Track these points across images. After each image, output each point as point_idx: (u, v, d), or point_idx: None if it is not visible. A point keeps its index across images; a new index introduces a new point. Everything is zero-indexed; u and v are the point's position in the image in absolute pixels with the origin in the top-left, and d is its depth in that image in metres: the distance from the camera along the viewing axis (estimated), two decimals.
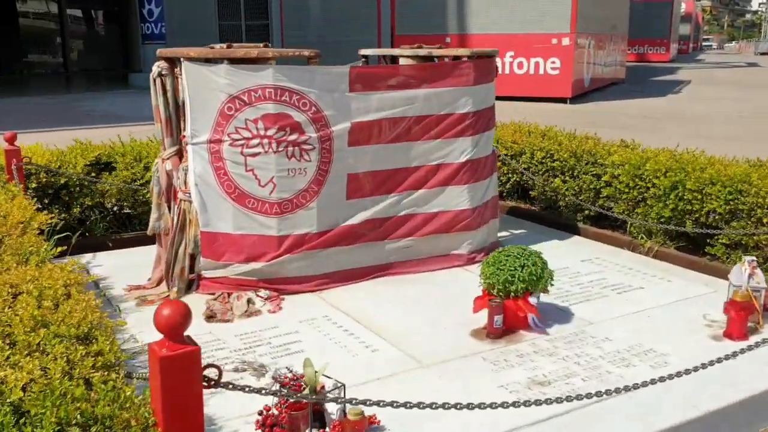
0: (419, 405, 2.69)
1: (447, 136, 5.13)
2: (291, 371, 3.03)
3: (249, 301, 4.48)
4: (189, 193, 4.59)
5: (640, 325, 4.15)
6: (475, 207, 5.30)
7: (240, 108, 4.45)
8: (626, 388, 3.14)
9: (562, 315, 4.30)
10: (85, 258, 5.55)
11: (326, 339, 3.98)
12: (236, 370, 2.93)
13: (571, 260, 5.34)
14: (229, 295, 4.58)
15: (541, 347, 3.87)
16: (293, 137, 4.53)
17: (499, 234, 6.06)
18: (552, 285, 4.18)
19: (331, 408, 2.92)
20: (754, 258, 4.15)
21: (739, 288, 4.08)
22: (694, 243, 5.51)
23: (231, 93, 4.43)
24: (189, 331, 3.97)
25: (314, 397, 2.82)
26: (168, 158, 4.72)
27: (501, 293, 4.02)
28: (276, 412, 2.86)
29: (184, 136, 4.59)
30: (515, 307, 4.01)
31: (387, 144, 4.93)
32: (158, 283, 4.82)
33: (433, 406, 2.76)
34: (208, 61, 4.49)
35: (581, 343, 3.91)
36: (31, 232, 3.95)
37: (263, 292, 4.61)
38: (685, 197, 5.34)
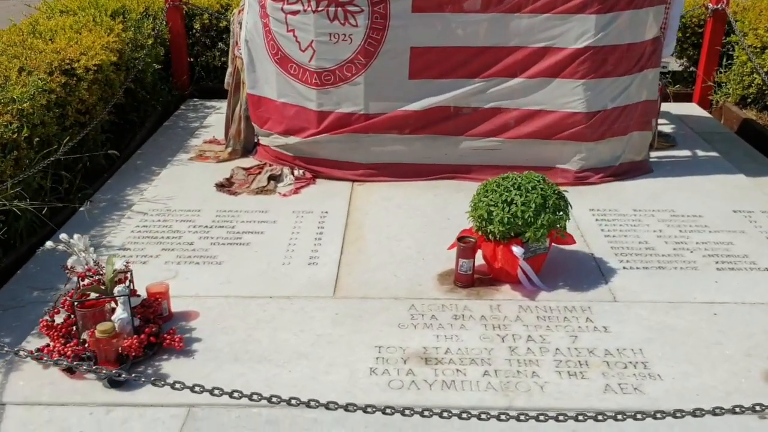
0: (193, 387, 2.17)
1: (559, 11, 3.85)
2: (98, 264, 2.68)
3: (271, 177, 4.11)
4: (241, 50, 4.26)
5: (681, 323, 2.80)
6: (596, 111, 4.00)
7: None
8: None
9: (591, 280, 3.10)
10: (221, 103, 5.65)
11: (284, 239, 3.48)
12: (53, 247, 2.68)
13: (719, 209, 3.79)
14: (269, 165, 4.27)
15: (502, 315, 2.86)
16: None
17: (678, 154, 4.59)
18: (563, 234, 3.00)
19: (119, 313, 2.55)
20: None
21: None
22: None
23: None
24: (183, 197, 3.83)
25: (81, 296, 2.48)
26: (243, 8, 4.39)
27: (481, 232, 3.02)
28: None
29: None
30: (491, 254, 2.99)
31: (470, 14, 3.88)
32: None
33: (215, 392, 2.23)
34: None
35: (558, 325, 2.79)
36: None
37: (298, 171, 4.19)
38: None
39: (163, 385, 2.20)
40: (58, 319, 2.64)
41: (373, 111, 4.05)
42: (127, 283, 2.64)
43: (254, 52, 4.18)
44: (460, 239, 3.04)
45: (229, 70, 4.60)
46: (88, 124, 4.17)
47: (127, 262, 2.70)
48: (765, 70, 5.03)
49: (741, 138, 5.05)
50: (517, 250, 2.92)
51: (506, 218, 2.87)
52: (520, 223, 2.87)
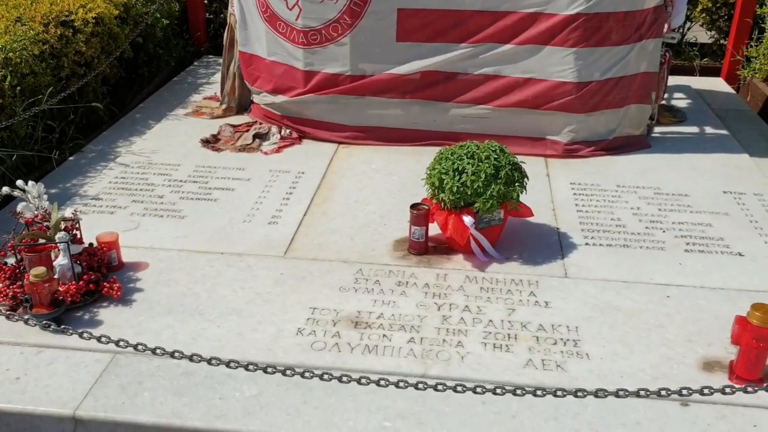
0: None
1: None
2: (46, 211, 2.75)
3: (257, 135, 4.13)
4: (234, 7, 4.26)
5: (628, 303, 2.71)
6: (587, 82, 3.86)
7: None
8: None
9: (547, 254, 3.03)
10: None
11: (253, 197, 3.50)
12: (9, 192, 2.75)
13: (709, 189, 3.64)
14: (258, 124, 4.29)
15: (446, 284, 2.83)
16: None
17: (684, 130, 4.41)
18: (516, 206, 2.93)
19: (59, 259, 2.62)
20: None
21: None
22: None
23: None
24: (168, 151, 3.88)
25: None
26: None
27: (435, 200, 2.98)
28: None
29: None
30: (443, 223, 2.94)
31: None
32: None
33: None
34: None
35: (499, 297, 2.74)
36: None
37: (285, 131, 4.19)
38: None
39: (90, 338, 2.27)
40: (12, 262, 2.74)
41: (360, 73, 4.00)
42: (73, 231, 2.70)
43: (246, 9, 4.17)
44: (413, 206, 3.00)
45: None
46: (87, 76, 4.25)
47: (75, 210, 2.77)
48: None
49: (762, 117, 4.80)
50: (467, 219, 2.86)
51: (456, 187, 2.82)
52: (469, 193, 2.81)
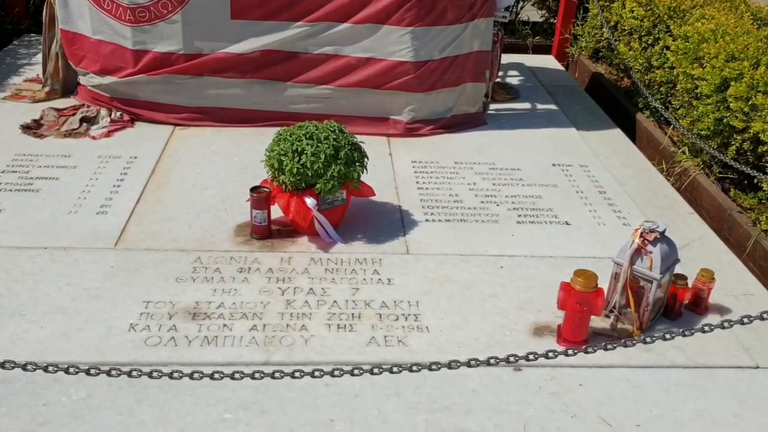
0: None
1: None
2: None
3: (84, 119, 3.87)
4: None
5: (465, 275, 2.79)
6: (424, 61, 3.91)
7: None
8: None
9: (390, 232, 3.06)
10: None
11: (79, 186, 3.28)
12: None
13: (540, 162, 3.82)
14: (86, 107, 4.00)
15: (290, 267, 2.78)
16: None
17: (517, 106, 4.58)
18: (357, 186, 2.94)
19: None
20: (659, 224, 2.45)
21: (620, 267, 2.50)
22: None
23: None
24: None
25: None
26: None
27: (275, 182, 2.91)
28: None
29: None
30: (285, 205, 2.89)
31: None
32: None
33: None
34: None
35: (344, 277, 2.74)
36: None
37: (115, 113, 3.95)
38: (731, 106, 3.40)
39: None
40: None
41: (195, 51, 3.84)
42: None
43: None
44: (253, 189, 2.92)
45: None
46: None
47: None
48: (611, 24, 5.08)
49: (587, 92, 5.11)
50: (309, 201, 2.83)
51: (296, 168, 2.77)
52: (310, 174, 2.78)
